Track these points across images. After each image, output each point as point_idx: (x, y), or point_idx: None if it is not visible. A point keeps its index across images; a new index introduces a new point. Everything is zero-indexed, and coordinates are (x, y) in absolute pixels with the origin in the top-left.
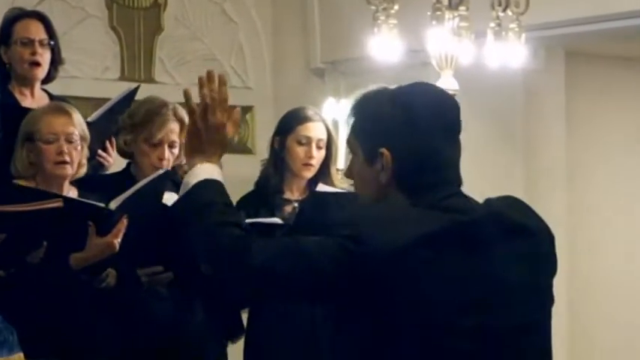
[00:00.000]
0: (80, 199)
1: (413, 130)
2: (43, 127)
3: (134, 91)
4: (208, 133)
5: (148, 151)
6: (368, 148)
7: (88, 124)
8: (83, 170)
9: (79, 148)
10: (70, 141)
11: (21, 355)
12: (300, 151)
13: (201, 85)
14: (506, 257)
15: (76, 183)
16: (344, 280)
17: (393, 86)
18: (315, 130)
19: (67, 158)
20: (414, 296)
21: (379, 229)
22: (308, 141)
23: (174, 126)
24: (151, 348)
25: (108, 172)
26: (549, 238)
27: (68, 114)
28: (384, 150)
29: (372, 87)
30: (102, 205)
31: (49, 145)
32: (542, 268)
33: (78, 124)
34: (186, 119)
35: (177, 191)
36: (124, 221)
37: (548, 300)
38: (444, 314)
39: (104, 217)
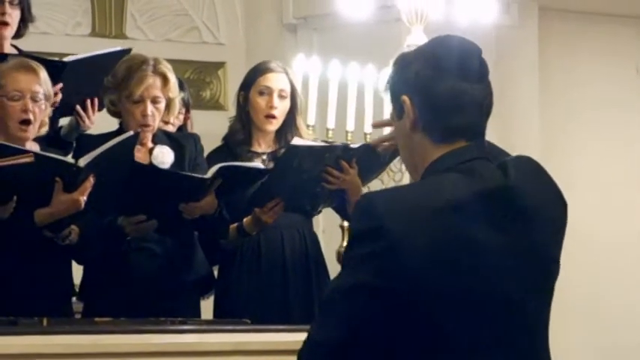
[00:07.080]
0: (50, 154)
1: (430, 74)
2: (8, 84)
3: (121, 52)
4: None
5: (131, 109)
6: (394, 100)
7: (64, 64)
8: (44, 129)
9: (43, 107)
10: (35, 99)
11: None
12: (262, 101)
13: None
14: (501, 246)
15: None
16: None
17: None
18: (275, 81)
19: (31, 117)
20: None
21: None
22: (269, 91)
23: (155, 81)
24: (135, 302)
25: (88, 131)
26: (562, 212)
27: (35, 71)
28: (404, 97)
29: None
30: (71, 161)
31: (13, 103)
32: (546, 248)
33: (44, 83)
34: (169, 73)
35: (170, 144)
36: (91, 179)
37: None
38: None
39: (72, 174)
